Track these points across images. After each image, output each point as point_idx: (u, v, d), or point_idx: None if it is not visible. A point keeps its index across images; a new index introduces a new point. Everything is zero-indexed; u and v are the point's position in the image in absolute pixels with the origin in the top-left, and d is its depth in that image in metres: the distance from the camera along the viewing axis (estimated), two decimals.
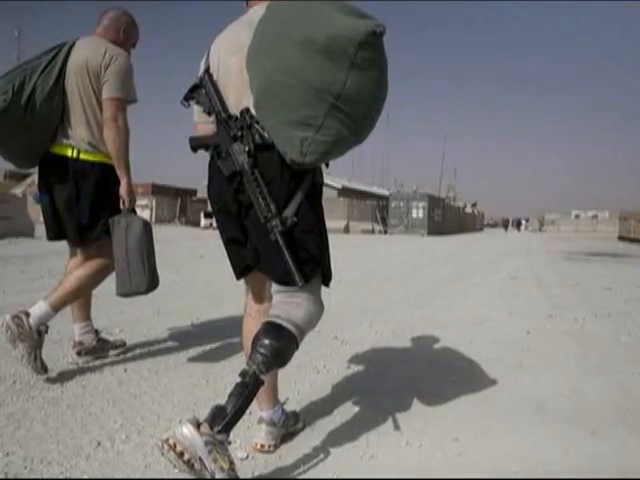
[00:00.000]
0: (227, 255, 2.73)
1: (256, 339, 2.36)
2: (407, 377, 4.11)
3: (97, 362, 4.17)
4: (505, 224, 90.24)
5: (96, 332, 4.24)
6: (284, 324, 2.38)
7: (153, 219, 41.75)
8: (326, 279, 2.62)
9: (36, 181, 4.04)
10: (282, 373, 2.84)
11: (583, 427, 3.22)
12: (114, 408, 3.30)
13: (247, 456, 2.70)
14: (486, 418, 3.32)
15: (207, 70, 2.61)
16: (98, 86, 3.73)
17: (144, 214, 39.94)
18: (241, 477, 2.26)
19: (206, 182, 2.65)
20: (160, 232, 21.77)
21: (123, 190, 3.77)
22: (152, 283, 3.75)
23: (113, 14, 4.01)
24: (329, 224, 2.72)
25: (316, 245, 2.48)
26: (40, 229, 8.13)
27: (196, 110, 2.67)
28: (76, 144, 3.74)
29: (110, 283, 3.90)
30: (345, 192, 49.85)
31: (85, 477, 2.47)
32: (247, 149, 2.38)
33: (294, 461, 2.67)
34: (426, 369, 4.33)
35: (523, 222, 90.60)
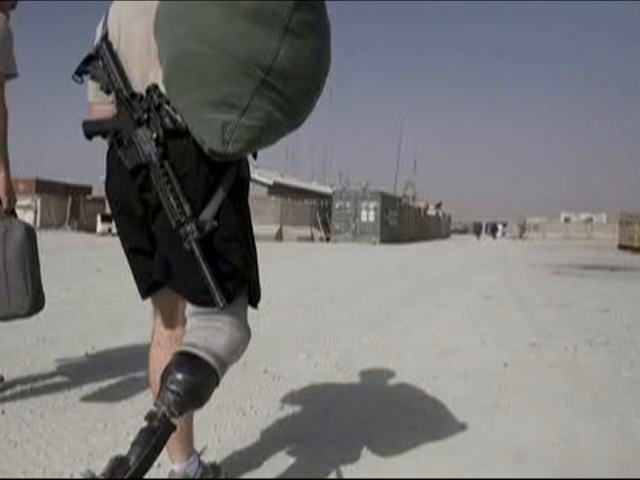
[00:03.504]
0: (130, 268, 2.71)
1: (166, 373, 2.33)
2: (354, 421, 4.16)
3: None
4: (477, 230, 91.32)
5: None
6: (201, 355, 2.36)
7: (37, 223, 41.01)
8: (253, 298, 2.62)
9: None
10: (199, 415, 2.86)
11: None
12: None
13: None
14: (453, 472, 3.37)
15: (105, 37, 2.57)
16: None
17: (26, 217, 39.15)
18: None
19: (104, 177, 2.62)
20: (46, 239, 21.31)
21: (0, 188, 3.73)
22: (36, 304, 3.71)
23: None
24: (257, 229, 2.75)
25: (241, 256, 2.47)
26: None
27: (91, 87, 2.65)
28: None
29: None
30: (277, 189, 49.80)
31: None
32: (155, 136, 2.36)
33: None
34: (378, 411, 4.39)
35: (499, 227, 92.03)
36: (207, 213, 2.38)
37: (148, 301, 2.80)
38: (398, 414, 4.31)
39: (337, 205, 46.95)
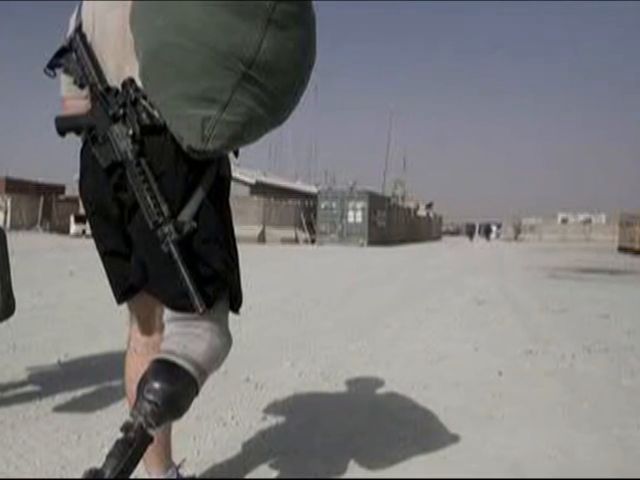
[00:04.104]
0: (105, 272, 2.71)
1: (143, 382, 2.32)
2: (341, 432, 4.16)
3: None
4: (470, 231, 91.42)
5: None
6: (180, 362, 2.35)
7: (8, 224, 40.86)
8: (235, 303, 2.62)
9: None
10: (177, 426, 2.86)
11: None
12: None
13: None
14: None
15: (79, 29, 2.57)
16: None
17: None
18: None
19: (77, 176, 2.62)
20: (17, 241, 21.26)
21: None
22: (6, 309, 3.71)
23: None
24: (239, 231, 2.75)
25: (221, 258, 2.47)
26: None
27: (64, 81, 2.64)
28: None
29: None
30: (260, 189, 49.76)
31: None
32: (131, 132, 2.35)
33: None
34: (365, 422, 4.39)
35: (493, 228, 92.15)
36: (186, 213, 2.37)
37: (124, 306, 2.80)
38: (387, 425, 4.32)
39: (323, 205, 46.96)
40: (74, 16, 2.66)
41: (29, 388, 4.79)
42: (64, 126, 2.54)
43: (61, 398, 4.57)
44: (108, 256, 2.66)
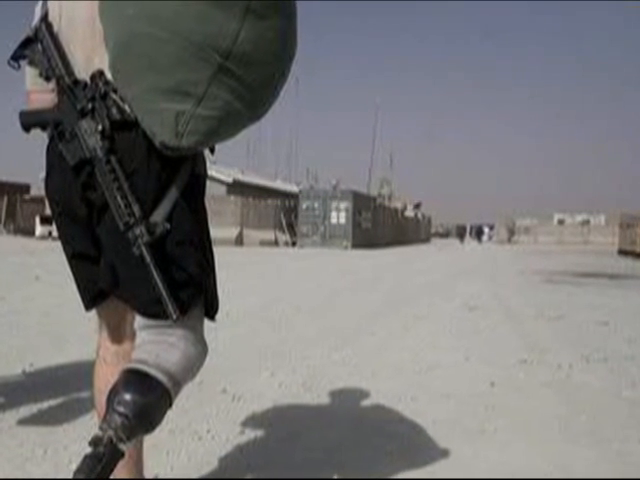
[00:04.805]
0: (73, 276, 2.69)
1: (113, 394, 2.30)
2: (323, 446, 4.17)
3: None
4: (461, 233, 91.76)
5: None
6: (152, 373, 2.34)
7: None
8: (211, 310, 2.61)
9: None
10: (149, 440, 2.85)
11: None
12: None
13: None
14: None
15: (44, 18, 2.55)
16: None
17: None
18: None
19: (43, 174, 2.61)
20: None
21: None
22: None
23: None
24: (215, 233, 2.75)
25: (196, 262, 2.46)
26: None
27: (29, 74, 2.62)
28: None
29: None
30: (238, 188, 49.71)
31: None
32: (100, 128, 2.33)
33: None
34: (350, 435, 4.40)
35: (486, 230, 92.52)
36: (159, 214, 2.36)
37: (93, 313, 2.78)
38: (372, 439, 4.33)
39: (304, 205, 46.98)
40: (40, 4, 2.63)
41: None
42: (29, 121, 2.52)
43: (26, 410, 4.55)
44: (76, 259, 2.63)
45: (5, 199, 46.67)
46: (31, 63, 2.54)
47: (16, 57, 2.55)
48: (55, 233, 2.63)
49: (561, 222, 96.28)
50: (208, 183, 2.70)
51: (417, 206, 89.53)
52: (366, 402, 5.20)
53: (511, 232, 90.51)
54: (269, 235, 46.15)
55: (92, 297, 2.66)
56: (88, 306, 2.71)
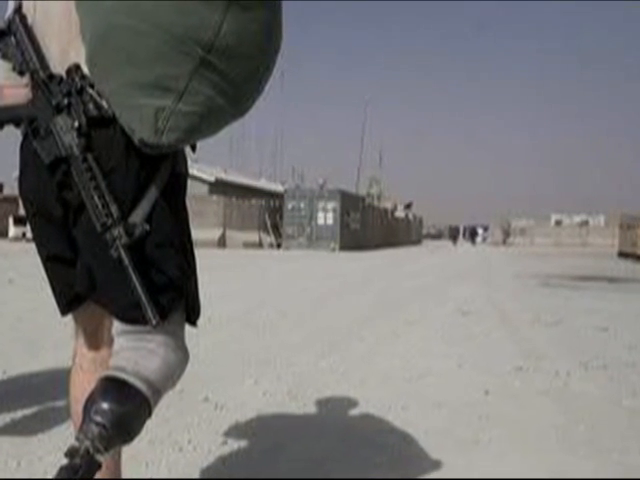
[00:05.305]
0: (48, 279, 2.67)
1: (90, 402, 2.29)
2: (309, 457, 4.18)
3: None
4: (453, 234, 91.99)
5: None
6: (131, 380, 2.33)
7: None
8: (192, 315, 2.60)
9: None
10: (128, 452, 2.85)
11: None
12: None
13: None
14: None
15: (18, 10, 2.53)
16: None
17: None
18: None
19: (17, 173, 2.60)
20: None
21: None
22: None
23: None
24: (197, 234, 2.75)
25: (177, 265, 2.45)
26: None
27: (2, 67, 2.60)
28: None
29: None
30: (220, 187, 49.67)
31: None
32: (77, 124, 2.32)
33: None
34: (337, 446, 4.41)
35: (480, 231, 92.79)
36: (137, 215, 2.35)
37: (69, 318, 2.77)
38: (361, 450, 4.33)
39: (290, 206, 46.98)
40: None
41: None
42: (1, 118, 2.50)
43: None
44: (51, 262, 2.62)
45: None
46: (4, 57, 2.52)
47: None
48: (29, 234, 2.64)
49: (558, 223, 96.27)
50: (189, 182, 2.70)
51: (408, 206, 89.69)
52: (354, 411, 5.21)
53: (506, 233, 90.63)
54: (253, 237, 46.13)
55: (68, 301, 2.65)
56: (64, 311, 2.69)
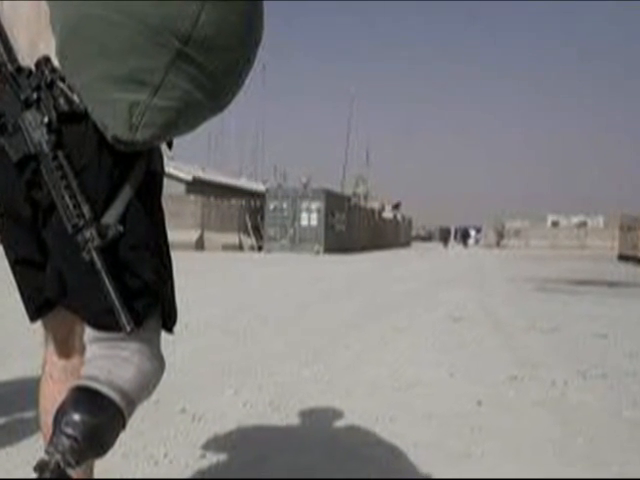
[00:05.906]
0: (16, 284, 2.66)
1: (61, 414, 2.27)
2: (292, 471, 4.17)
3: None
4: (444, 236, 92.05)
5: None
6: (104, 390, 2.32)
7: None
8: (168, 321, 2.59)
9: None
10: (101, 465, 2.85)
11: None
12: None
13: None
14: None
15: None
16: None
17: None
18: None
19: None
20: None
21: None
22: None
23: None
24: (173, 236, 2.74)
25: (153, 268, 2.45)
26: None
27: None
28: None
29: None
30: (198, 187, 49.58)
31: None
32: (47, 120, 2.31)
33: None
34: (321, 459, 4.41)
35: (472, 233, 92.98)
36: (111, 215, 2.34)
37: (38, 324, 2.75)
38: (346, 463, 4.34)
39: (271, 206, 46.96)
40: None
41: None
42: None
43: None
44: (19, 265, 2.61)
45: None
46: None
47: None
48: None
49: (555, 224, 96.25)
50: (165, 181, 2.69)
51: (396, 206, 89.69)
52: (340, 423, 5.21)
53: (500, 235, 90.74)
54: (233, 238, 46.08)
55: (37, 307, 2.63)
56: (33, 317, 2.68)
